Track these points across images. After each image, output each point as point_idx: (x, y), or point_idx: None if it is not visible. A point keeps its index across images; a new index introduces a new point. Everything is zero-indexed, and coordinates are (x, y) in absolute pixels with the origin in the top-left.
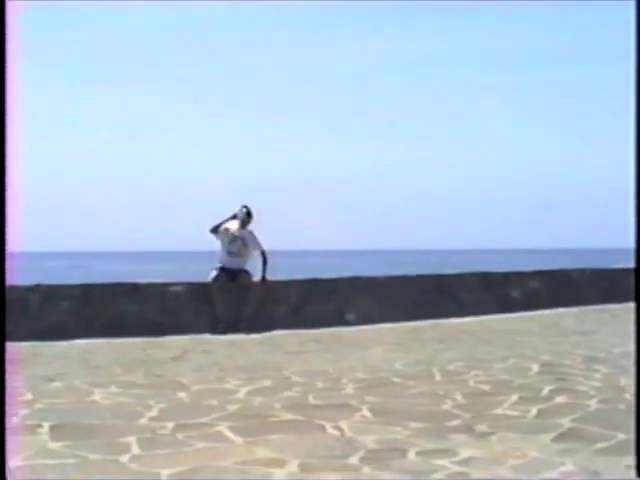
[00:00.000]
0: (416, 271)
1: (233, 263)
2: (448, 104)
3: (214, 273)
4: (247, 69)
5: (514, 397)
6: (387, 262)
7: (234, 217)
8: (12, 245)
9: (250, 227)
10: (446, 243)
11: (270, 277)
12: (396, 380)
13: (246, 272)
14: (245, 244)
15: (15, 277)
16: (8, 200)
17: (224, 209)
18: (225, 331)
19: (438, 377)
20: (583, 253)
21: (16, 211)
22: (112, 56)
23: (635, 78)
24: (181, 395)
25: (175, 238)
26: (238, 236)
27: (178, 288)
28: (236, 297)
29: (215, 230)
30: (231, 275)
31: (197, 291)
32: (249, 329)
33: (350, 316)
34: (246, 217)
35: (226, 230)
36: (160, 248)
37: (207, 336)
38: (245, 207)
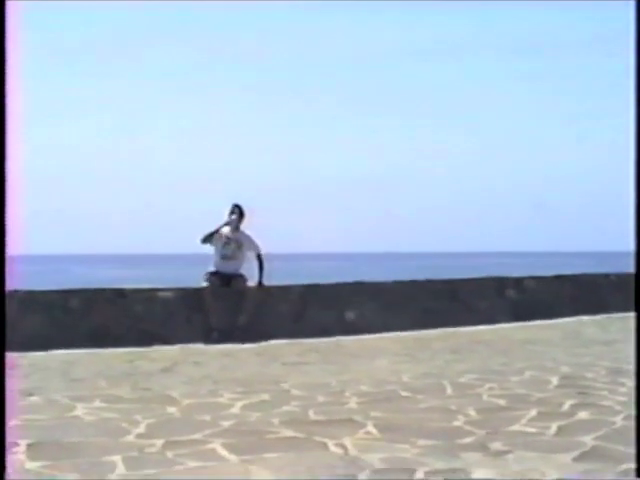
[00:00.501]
0: (425, 275)
1: (227, 267)
2: (460, 93)
3: (207, 277)
4: (245, 66)
5: (532, 412)
6: (392, 266)
7: (227, 224)
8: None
9: (243, 227)
10: (454, 246)
11: (267, 282)
12: (404, 394)
13: (241, 276)
14: (239, 246)
15: None
16: (8, 204)
17: (219, 211)
18: (219, 340)
19: (449, 390)
20: (605, 256)
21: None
22: (111, 55)
23: (635, 77)
24: (171, 410)
25: (165, 241)
26: (232, 238)
27: (167, 294)
28: (231, 303)
29: (207, 239)
30: (225, 280)
31: (188, 297)
32: (244, 338)
33: (354, 324)
34: (238, 216)
35: (219, 233)
36: (148, 251)
37: (199, 346)
38: (237, 206)
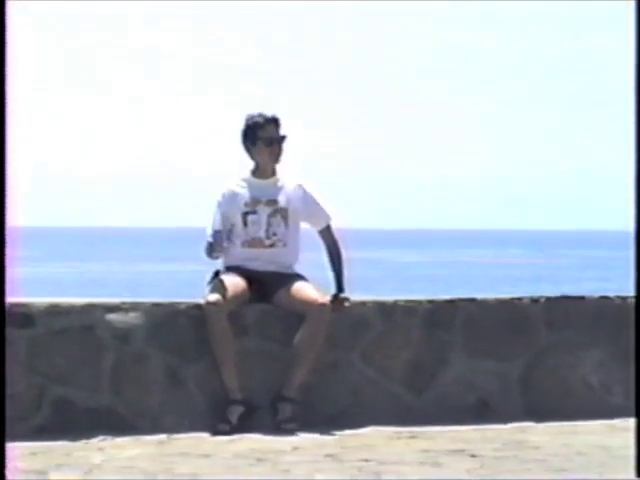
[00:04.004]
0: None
1: (261, 262)
2: None
3: (217, 282)
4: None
5: None
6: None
7: (256, 162)
8: None
9: (283, 168)
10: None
11: (351, 291)
12: None
13: (296, 278)
14: (282, 211)
15: None
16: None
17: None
18: (243, 426)
19: None
20: None
21: None
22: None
23: (635, 77)
24: None
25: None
26: (260, 198)
27: (129, 318)
28: (271, 341)
29: (214, 249)
30: (259, 287)
31: (174, 325)
32: (301, 421)
33: (555, 393)
34: (271, 142)
35: (232, 194)
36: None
37: (201, 438)
38: (264, 118)
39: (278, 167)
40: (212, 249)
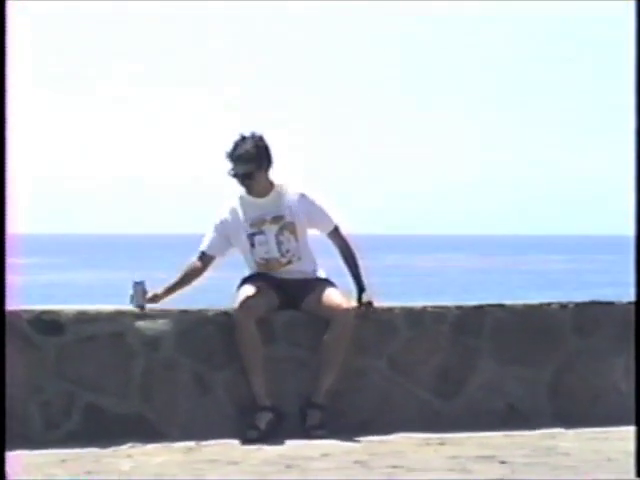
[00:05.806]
0: None
1: (282, 274)
2: None
3: (246, 289)
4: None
5: None
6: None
7: (246, 182)
8: None
9: (277, 178)
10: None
11: (375, 297)
12: None
13: (322, 282)
14: (290, 225)
15: None
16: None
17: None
18: (271, 432)
19: None
20: None
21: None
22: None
23: (635, 77)
24: None
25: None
26: (264, 216)
27: (156, 325)
28: (299, 347)
29: (132, 301)
30: (285, 293)
31: (202, 333)
32: (328, 426)
33: (583, 399)
34: (260, 161)
35: (234, 215)
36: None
37: (229, 445)
38: (246, 138)
39: (275, 177)
40: (131, 300)
